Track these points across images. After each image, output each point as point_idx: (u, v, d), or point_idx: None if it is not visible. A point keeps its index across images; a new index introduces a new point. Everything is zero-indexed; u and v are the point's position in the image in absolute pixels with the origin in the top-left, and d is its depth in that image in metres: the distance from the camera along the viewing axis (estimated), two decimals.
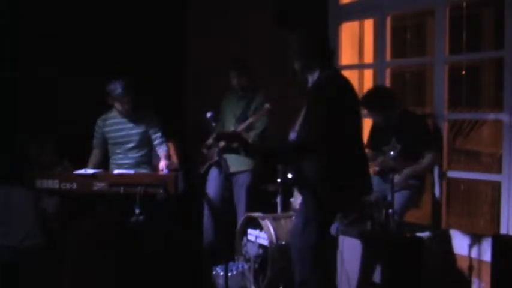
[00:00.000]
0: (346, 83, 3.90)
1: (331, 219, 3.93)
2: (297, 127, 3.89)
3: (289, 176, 4.54)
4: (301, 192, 4.20)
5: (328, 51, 3.88)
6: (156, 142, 5.26)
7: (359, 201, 4.16)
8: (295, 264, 3.92)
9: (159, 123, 5.28)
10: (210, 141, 5.47)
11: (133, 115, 5.20)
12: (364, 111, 4.71)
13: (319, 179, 3.74)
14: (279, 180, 4.92)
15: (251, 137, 5.11)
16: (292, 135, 3.90)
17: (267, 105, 5.06)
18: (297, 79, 3.91)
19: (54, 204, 4.74)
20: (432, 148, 4.81)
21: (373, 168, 4.86)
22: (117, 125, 5.23)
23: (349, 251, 4.30)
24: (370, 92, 4.96)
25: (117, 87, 5.05)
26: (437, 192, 5.01)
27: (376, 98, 4.83)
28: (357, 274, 4.27)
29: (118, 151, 5.26)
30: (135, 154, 5.22)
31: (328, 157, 3.69)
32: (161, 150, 5.25)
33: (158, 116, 5.33)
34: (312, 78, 3.80)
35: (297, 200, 4.82)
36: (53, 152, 5.27)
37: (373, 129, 5.10)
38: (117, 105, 5.12)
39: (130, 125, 5.22)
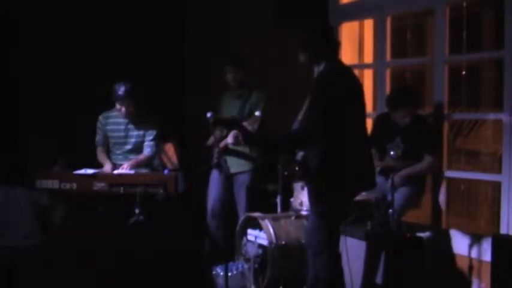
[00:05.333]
0: (351, 75, 3.90)
1: (339, 213, 3.89)
2: (299, 117, 3.88)
3: (296, 168, 4.52)
4: (307, 185, 4.18)
5: (333, 43, 3.88)
6: (145, 143, 5.24)
7: (362, 191, 4.13)
8: (310, 264, 3.90)
9: (157, 127, 5.24)
10: (210, 141, 5.46)
11: (134, 117, 5.20)
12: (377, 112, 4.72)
13: (321, 170, 3.73)
14: (285, 173, 4.89)
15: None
16: (295, 126, 3.89)
17: (258, 113, 5.02)
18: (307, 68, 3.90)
19: (55, 203, 4.75)
20: (432, 151, 4.81)
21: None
22: (118, 125, 5.23)
23: (349, 250, 4.30)
24: (399, 90, 5.07)
25: (120, 89, 5.05)
26: (437, 192, 5.02)
27: (407, 94, 4.91)
28: (357, 274, 4.27)
29: (118, 152, 5.26)
30: (135, 156, 5.22)
31: (330, 149, 3.69)
32: (145, 152, 5.23)
33: (159, 118, 5.31)
34: (318, 69, 3.81)
35: (296, 199, 4.82)
36: (52, 152, 5.27)
37: (376, 128, 5.11)
38: (117, 106, 5.12)
39: (130, 126, 5.22)
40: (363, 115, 3.91)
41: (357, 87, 3.88)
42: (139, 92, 5.13)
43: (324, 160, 3.72)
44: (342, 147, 3.71)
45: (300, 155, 3.90)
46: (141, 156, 5.20)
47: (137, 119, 5.20)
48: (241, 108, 5.33)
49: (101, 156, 5.26)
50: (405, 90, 5.05)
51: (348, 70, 3.92)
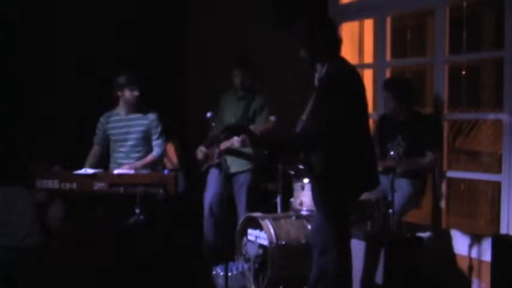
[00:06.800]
0: (355, 75, 3.89)
1: (343, 213, 3.86)
2: (304, 117, 3.87)
3: (301, 167, 4.53)
4: (311, 184, 4.18)
5: (334, 42, 3.87)
6: (153, 142, 5.28)
7: (365, 192, 4.12)
8: (313, 263, 3.89)
9: (160, 125, 5.28)
10: (207, 141, 5.46)
11: (136, 113, 5.25)
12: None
13: (325, 170, 3.73)
14: (291, 172, 4.89)
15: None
16: (299, 126, 3.88)
17: (272, 118, 5.02)
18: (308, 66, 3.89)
19: (59, 209, 4.75)
20: (433, 148, 4.82)
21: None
22: (119, 122, 5.27)
23: (355, 252, 4.29)
24: (397, 78, 5.32)
25: (126, 76, 5.18)
26: (437, 192, 5.02)
27: (402, 83, 5.07)
28: (357, 274, 4.27)
29: (120, 149, 5.26)
30: (136, 154, 5.23)
31: (334, 149, 3.69)
32: (153, 152, 5.26)
33: (158, 115, 5.33)
34: (321, 67, 3.80)
35: (296, 200, 4.82)
36: (43, 155, 5.27)
37: (378, 128, 5.12)
38: (127, 94, 5.17)
39: (132, 122, 5.25)
40: (366, 115, 3.91)
41: (360, 87, 3.87)
42: (140, 80, 5.21)
43: (328, 160, 3.72)
44: (346, 147, 3.71)
45: (302, 153, 3.90)
46: (149, 157, 5.22)
47: (138, 115, 5.26)
48: (244, 110, 5.32)
49: (91, 156, 5.30)
50: (399, 80, 5.21)
51: (352, 69, 3.91)
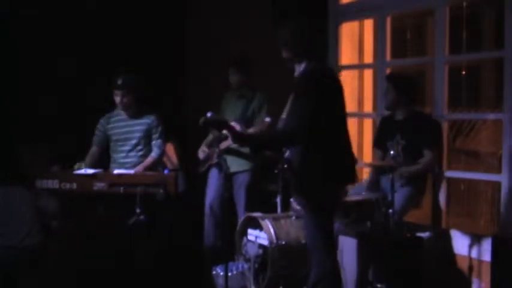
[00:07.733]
0: (332, 75, 3.93)
1: (322, 210, 3.82)
2: (284, 116, 3.91)
3: (285, 166, 4.53)
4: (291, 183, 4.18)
5: (316, 43, 3.91)
6: (153, 142, 5.27)
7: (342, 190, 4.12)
8: (314, 263, 3.90)
9: (161, 125, 5.27)
10: (209, 139, 5.47)
11: (136, 114, 5.25)
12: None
13: (301, 167, 3.75)
14: (275, 171, 4.91)
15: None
16: (280, 124, 3.92)
17: (267, 119, 5.03)
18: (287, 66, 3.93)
19: (54, 203, 4.75)
20: (432, 147, 4.81)
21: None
22: (120, 122, 5.28)
23: (349, 250, 4.30)
24: (401, 73, 5.46)
25: (118, 79, 5.13)
26: (437, 192, 5.02)
27: (403, 75, 5.22)
28: (356, 274, 4.27)
29: (121, 149, 5.25)
30: (137, 153, 5.23)
31: (312, 146, 3.71)
32: (152, 153, 5.26)
33: (159, 115, 5.34)
34: (299, 68, 3.84)
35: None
36: (43, 155, 5.28)
37: (380, 129, 5.12)
38: (115, 98, 5.15)
39: (134, 122, 5.26)
40: (343, 114, 3.92)
41: (338, 86, 3.89)
42: (137, 85, 5.18)
43: (303, 157, 3.74)
44: (324, 144, 3.73)
45: (288, 153, 3.93)
46: (148, 159, 5.21)
47: (139, 116, 5.25)
48: (244, 109, 5.34)
49: (88, 157, 5.29)
50: (401, 73, 5.33)
51: (329, 70, 3.98)
